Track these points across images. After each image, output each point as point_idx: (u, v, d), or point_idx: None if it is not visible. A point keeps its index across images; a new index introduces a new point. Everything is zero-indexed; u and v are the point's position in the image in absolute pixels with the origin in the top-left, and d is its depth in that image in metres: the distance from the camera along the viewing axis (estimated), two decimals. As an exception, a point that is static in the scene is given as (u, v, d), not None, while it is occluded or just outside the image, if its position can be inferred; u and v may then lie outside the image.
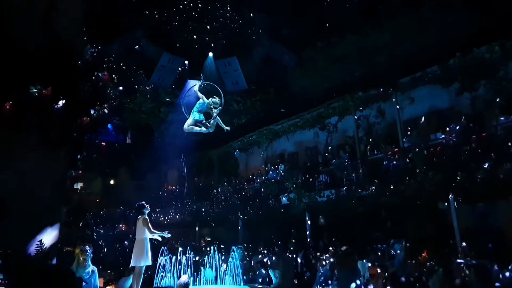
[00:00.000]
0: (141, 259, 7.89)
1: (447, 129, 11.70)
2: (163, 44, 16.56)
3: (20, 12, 8.97)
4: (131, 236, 13.52)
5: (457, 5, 12.42)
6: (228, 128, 9.68)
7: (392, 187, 11.89)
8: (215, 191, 19.82)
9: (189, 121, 9.27)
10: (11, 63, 8.26)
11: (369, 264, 8.92)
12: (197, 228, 20.35)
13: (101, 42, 15.49)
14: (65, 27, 9.60)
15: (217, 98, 9.34)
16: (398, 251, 10.21)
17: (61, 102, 9.49)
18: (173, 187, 24.20)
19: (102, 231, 17.97)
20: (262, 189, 17.05)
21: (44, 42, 9.01)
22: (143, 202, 8.42)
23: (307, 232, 14.74)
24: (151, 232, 8.12)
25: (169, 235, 8.35)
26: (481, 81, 11.79)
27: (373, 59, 14.85)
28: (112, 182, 24.84)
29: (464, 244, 10.12)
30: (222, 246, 16.61)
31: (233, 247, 10.65)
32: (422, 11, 13.41)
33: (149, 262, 8.06)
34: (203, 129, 9.39)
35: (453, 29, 12.60)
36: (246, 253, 13.81)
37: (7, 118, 8.21)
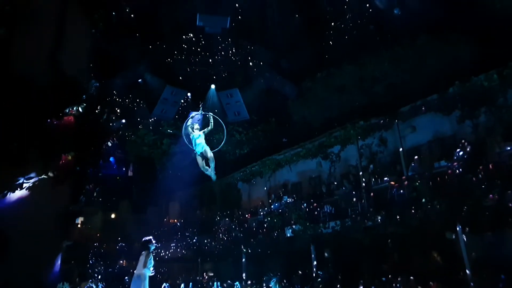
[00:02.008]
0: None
1: (455, 157, 11.64)
2: (166, 77, 16.96)
3: (28, 50, 9.28)
4: (131, 271, 13.31)
5: (453, 34, 12.79)
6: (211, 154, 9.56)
7: (398, 217, 11.77)
8: (217, 224, 19.64)
9: (199, 161, 9.42)
10: (17, 98, 8.48)
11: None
12: (199, 263, 20.00)
13: (105, 76, 15.92)
14: (71, 63, 9.90)
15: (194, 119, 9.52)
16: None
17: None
18: (175, 221, 23.97)
19: (102, 267, 17.67)
20: (266, 220, 16.89)
21: (51, 78, 9.28)
22: (151, 238, 8.40)
23: (313, 265, 14.47)
24: (144, 267, 8.03)
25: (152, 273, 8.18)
26: (481, 108, 11.91)
27: (373, 89, 15.12)
28: (113, 216, 24.69)
29: (474, 276, 9.90)
30: (225, 284, 16.32)
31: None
32: (418, 41, 13.80)
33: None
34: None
35: (450, 57, 12.92)
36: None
37: (11, 151, 8.33)
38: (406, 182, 12.40)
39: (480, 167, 10.50)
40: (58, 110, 9.11)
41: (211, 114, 9.70)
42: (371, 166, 14.90)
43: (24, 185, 8.98)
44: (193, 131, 9.51)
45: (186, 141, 9.84)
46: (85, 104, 10.07)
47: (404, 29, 13.84)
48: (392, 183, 12.92)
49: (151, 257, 8.14)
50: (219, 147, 9.73)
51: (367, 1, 14.72)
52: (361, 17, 15.20)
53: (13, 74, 8.64)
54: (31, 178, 9.25)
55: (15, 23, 9.15)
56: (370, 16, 14.99)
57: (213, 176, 9.43)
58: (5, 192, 8.66)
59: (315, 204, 15.29)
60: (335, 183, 16.18)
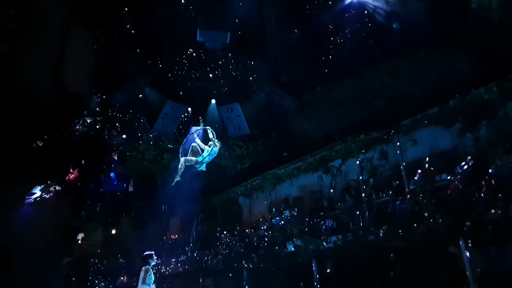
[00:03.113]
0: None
1: (456, 170, 11.60)
2: (167, 92, 17.10)
3: (30, 66, 9.41)
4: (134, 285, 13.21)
5: (452, 47, 12.92)
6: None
7: (400, 231, 11.71)
8: (218, 239, 19.55)
9: (186, 160, 9.03)
10: (19, 114, 8.56)
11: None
12: (200, 279, 19.82)
13: (106, 91, 16.06)
14: (72, 79, 10.03)
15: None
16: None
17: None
18: (175, 236, 23.86)
19: (103, 284, 17.54)
20: (267, 235, 16.81)
21: (53, 94, 9.39)
22: (152, 252, 8.35)
23: (315, 280, 14.33)
24: (143, 283, 7.95)
25: None
26: (482, 121, 11.95)
27: (373, 102, 15.21)
28: (113, 231, 24.60)
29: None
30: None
31: None
32: (418, 54, 13.93)
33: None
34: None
35: (450, 70, 13.01)
36: None
37: (13, 168, 8.37)
38: (408, 196, 12.37)
39: (482, 181, 10.48)
40: (59, 126, 9.19)
41: (209, 128, 9.54)
42: (372, 179, 14.89)
43: (27, 201, 9.00)
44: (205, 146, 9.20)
45: (180, 151, 9.48)
46: (87, 120, 10.16)
47: (403, 42, 14.03)
48: (394, 196, 12.89)
49: (151, 272, 8.08)
50: (207, 155, 9.26)
51: (366, 16, 14.96)
52: (360, 32, 15.42)
53: (15, 90, 8.74)
54: (33, 194, 9.28)
55: (17, 40, 9.29)
56: (369, 30, 15.22)
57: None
58: (8, 209, 8.68)
59: (316, 219, 15.23)
60: (337, 197, 16.15)
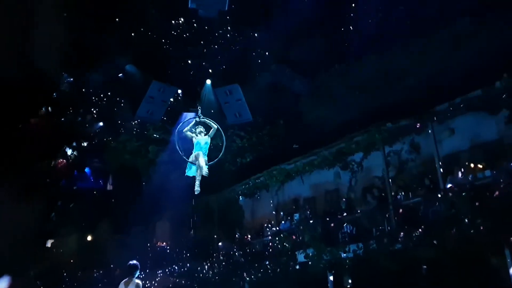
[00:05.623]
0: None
1: (504, 165, 11.51)
2: (152, 71, 17.08)
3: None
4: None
5: (500, 18, 12.78)
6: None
7: (432, 239, 11.73)
8: (215, 247, 19.61)
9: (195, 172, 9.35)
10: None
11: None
12: (193, 294, 20.02)
13: (80, 70, 16.05)
14: (39, 54, 10.02)
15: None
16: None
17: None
18: (163, 243, 24.02)
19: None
20: (273, 242, 16.88)
21: (15, 73, 9.39)
22: (137, 263, 8.44)
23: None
24: None
25: None
26: (534, 106, 11.91)
27: (402, 84, 15.13)
28: (89, 238, 24.81)
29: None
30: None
31: None
32: (457, 25, 13.81)
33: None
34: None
35: (497, 45, 12.89)
36: None
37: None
38: (443, 197, 12.37)
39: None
40: (23, 111, 9.22)
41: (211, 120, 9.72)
42: (400, 177, 14.85)
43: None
44: (198, 136, 9.50)
45: (178, 148, 9.82)
46: (55, 104, 10.15)
47: (440, 11, 13.89)
48: (426, 197, 12.89)
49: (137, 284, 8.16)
50: (218, 158, 9.72)
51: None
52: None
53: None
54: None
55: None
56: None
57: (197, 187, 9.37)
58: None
59: (332, 223, 15.27)
60: (357, 197, 16.16)
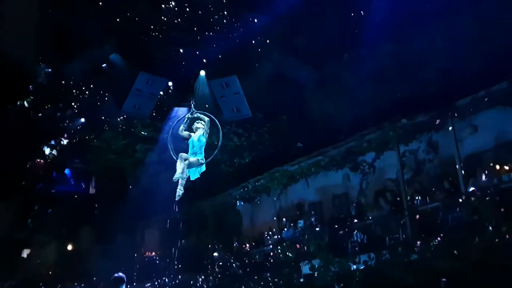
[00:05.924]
0: None
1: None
2: (140, 61, 17.07)
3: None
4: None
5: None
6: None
7: (453, 248, 11.76)
8: (210, 257, 19.62)
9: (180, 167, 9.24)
10: None
11: None
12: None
13: (58, 60, 16.02)
14: (13, 42, 10.04)
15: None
16: None
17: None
18: (152, 253, 24.05)
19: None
20: (275, 252, 16.91)
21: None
22: (123, 275, 8.47)
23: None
24: None
25: None
26: None
27: (420, 75, 15.13)
28: (69, 247, 24.83)
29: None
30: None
31: None
32: (482, 8, 13.78)
33: None
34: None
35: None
36: None
37: None
38: (465, 201, 12.39)
39: None
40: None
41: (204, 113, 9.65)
42: (417, 179, 14.87)
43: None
44: (195, 132, 9.40)
45: (170, 149, 9.72)
46: (31, 97, 10.17)
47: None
48: (446, 201, 12.91)
49: None
50: (211, 157, 9.64)
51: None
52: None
53: None
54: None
55: None
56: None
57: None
58: None
59: (341, 231, 15.30)
60: (368, 202, 16.18)
